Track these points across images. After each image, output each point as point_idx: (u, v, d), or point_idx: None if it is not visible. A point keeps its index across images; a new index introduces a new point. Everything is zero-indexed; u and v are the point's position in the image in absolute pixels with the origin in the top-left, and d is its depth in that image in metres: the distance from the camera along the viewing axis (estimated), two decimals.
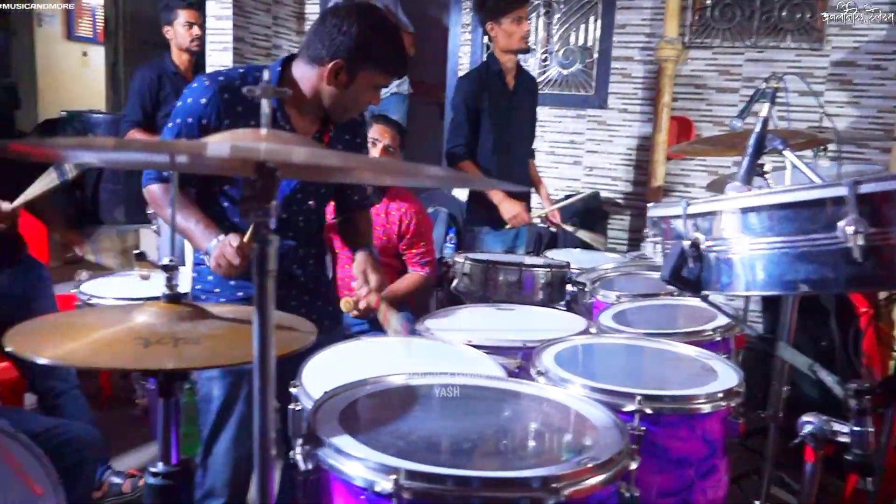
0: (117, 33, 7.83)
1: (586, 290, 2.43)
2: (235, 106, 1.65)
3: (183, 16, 3.34)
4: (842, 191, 0.93)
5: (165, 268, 1.09)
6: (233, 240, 1.53)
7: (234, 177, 1.70)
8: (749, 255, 1.05)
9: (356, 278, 1.80)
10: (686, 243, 1.11)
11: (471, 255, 2.53)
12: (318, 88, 1.69)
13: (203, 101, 1.64)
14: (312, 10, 4.78)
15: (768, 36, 3.87)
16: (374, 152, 3.36)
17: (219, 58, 4.22)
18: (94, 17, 7.91)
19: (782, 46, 3.85)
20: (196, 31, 3.35)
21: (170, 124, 1.69)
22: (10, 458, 1.32)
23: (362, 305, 1.77)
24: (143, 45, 7.82)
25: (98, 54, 7.93)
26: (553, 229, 3.47)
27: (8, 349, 0.97)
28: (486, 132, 3.12)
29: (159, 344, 1.00)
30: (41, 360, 0.94)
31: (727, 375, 1.53)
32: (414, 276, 2.90)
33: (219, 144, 0.75)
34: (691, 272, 1.12)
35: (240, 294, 1.77)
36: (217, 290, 1.79)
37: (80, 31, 8.00)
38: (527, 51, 3.15)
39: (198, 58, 3.64)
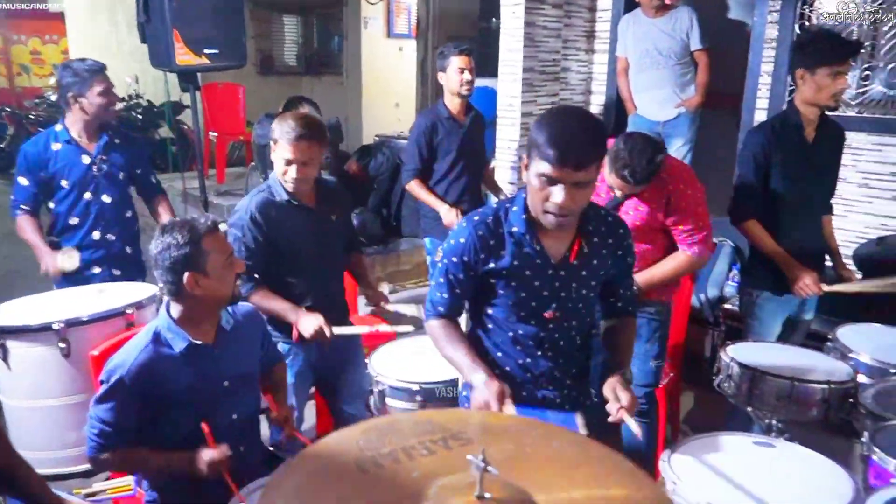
0: (427, 30, 8.55)
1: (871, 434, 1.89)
2: (489, 240, 1.81)
3: (455, 62, 3.50)
4: None
5: None
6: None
7: None
8: None
9: (608, 398, 1.76)
10: None
11: (738, 357, 2.36)
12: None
13: (462, 240, 1.84)
14: (603, 28, 4.72)
15: None
16: (463, 79, 3.51)
17: (509, 88, 4.42)
18: (409, 16, 8.69)
19: None
20: (467, 76, 3.50)
21: (439, 263, 1.91)
22: None
23: (615, 418, 1.74)
24: (449, 40, 8.45)
25: (411, 48, 8.74)
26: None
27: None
28: (776, 189, 2.85)
29: None
30: None
31: None
32: (679, 255, 2.60)
33: None
34: None
35: None
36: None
37: (397, 29, 8.87)
38: (834, 108, 2.78)
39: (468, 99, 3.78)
